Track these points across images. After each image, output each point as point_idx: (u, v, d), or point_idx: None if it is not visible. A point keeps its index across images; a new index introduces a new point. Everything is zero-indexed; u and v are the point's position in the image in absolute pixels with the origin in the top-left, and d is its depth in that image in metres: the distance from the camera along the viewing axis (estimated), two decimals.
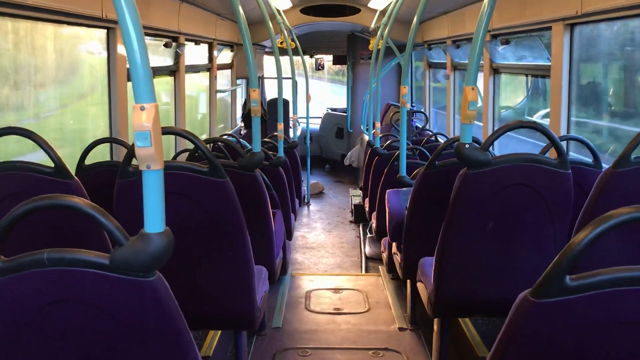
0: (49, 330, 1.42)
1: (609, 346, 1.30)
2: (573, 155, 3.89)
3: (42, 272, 1.37)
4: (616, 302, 1.25)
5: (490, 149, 4.62)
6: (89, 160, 3.27)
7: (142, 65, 1.31)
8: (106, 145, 3.88)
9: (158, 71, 5.15)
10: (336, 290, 4.60)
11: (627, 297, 1.24)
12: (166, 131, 2.50)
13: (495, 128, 5.42)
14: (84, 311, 1.40)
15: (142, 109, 1.31)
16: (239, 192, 2.49)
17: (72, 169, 3.15)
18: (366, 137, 7.63)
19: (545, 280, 1.27)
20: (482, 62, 5.29)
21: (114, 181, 2.48)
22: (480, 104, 5.46)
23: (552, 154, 2.65)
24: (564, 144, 3.78)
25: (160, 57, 5.22)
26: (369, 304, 4.29)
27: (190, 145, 4.53)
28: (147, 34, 4.73)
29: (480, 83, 5.45)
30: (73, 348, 1.45)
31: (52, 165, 2.35)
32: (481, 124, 5.48)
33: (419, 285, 3.16)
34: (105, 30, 3.81)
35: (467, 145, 2.41)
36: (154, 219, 1.37)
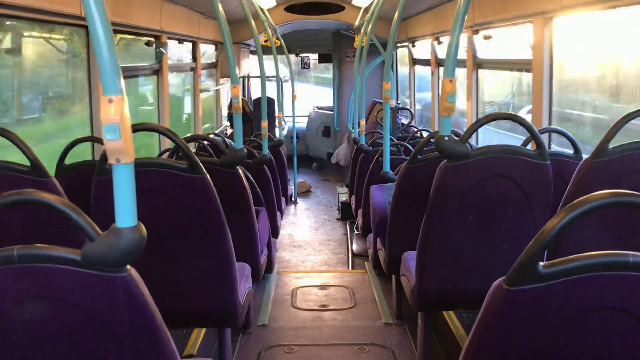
0: (21, 327, 1.40)
1: (582, 332, 1.31)
2: (556, 148, 3.92)
3: (13, 269, 1.35)
4: (588, 288, 1.25)
5: (474, 143, 4.63)
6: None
7: (108, 56, 1.29)
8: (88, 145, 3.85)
9: (141, 70, 5.12)
10: (322, 287, 4.60)
11: (599, 283, 1.24)
12: (144, 127, 2.49)
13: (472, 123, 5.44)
14: (56, 308, 1.38)
15: (110, 101, 1.30)
16: (220, 189, 2.48)
17: (52, 168, 3.13)
18: (353, 135, 7.63)
19: (518, 268, 1.27)
20: (465, 57, 5.30)
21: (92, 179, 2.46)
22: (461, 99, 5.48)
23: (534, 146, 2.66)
24: (545, 136, 3.80)
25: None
26: (355, 300, 4.29)
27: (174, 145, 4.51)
28: (128, 32, 4.69)
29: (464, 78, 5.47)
30: (46, 345, 1.43)
31: (28, 164, 2.33)
32: (465, 120, 5.50)
33: (403, 279, 3.16)
34: (85, 29, 3.78)
35: (446, 138, 2.41)
36: (125, 214, 1.35)
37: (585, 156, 2.96)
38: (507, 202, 2.53)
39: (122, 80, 1.32)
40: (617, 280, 1.24)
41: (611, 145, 2.27)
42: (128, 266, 1.38)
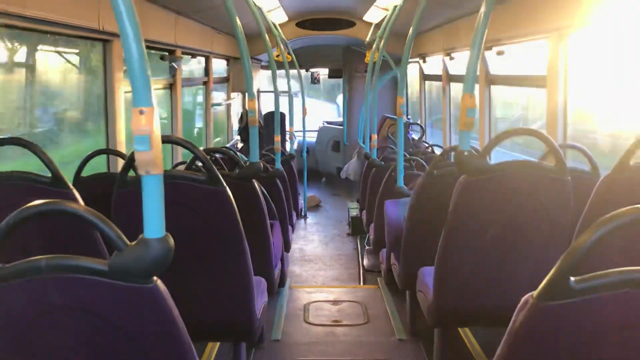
0: (48, 337, 1.39)
1: (615, 350, 1.29)
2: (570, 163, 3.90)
3: (41, 279, 1.35)
4: (621, 304, 1.24)
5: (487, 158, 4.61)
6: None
7: (140, 69, 1.31)
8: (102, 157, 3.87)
9: (155, 84, 5.15)
10: (335, 302, 4.57)
11: (633, 299, 1.23)
12: (165, 140, 2.49)
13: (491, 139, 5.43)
14: (83, 318, 1.38)
15: (141, 112, 1.31)
16: (237, 202, 2.48)
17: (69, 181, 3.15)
18: (363, 150, 7.64)
19: (549, 283, 1.26)
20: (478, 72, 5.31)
21: (110, 192, 2.47)
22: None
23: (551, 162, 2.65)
24: (562, 152, 3.79)
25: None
26: (368, 316, 4.26)
27: (186, 158, 4.52)
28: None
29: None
30: (73, 355, 1.43)
31: (50, 175, 2.34)
32: (477, 135, 5.50)
33: (419, 295, 3.14)
34: (102, 43, 3.82)
35: (465, 153, 2.40)
36: (154, 225, 1.36)
37: (602, 172, 2.96)
38: (526, 217, 2.52)
39: (152, 92, 1.33)
40: None
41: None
42: (155, 277, 1.38)
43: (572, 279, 1.24)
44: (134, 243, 1.34)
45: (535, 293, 1.29)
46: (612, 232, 1.22)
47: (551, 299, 1.26)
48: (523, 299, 1.33)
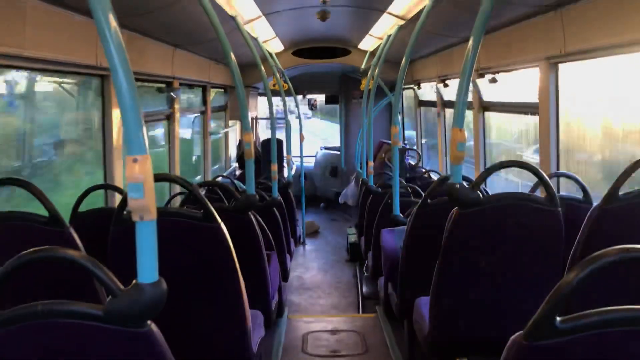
0: None
1: None
2: (566, 191, 3.93)
3: (37, 324, 1.37)
4: (607, 343, 1.26)
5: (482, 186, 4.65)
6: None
7: (134, 118, 1.35)
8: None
9: (153, 116, 5.21)
10: (333, 331, 4.55)
11: (618, 338, 1.25)
12: (161, 178, 2.54)
13: (487, 164, 5.48)
14: None
15: (135, 160, 1.34)
16: (232, 234, 2.50)
17: (67, 215, 3.18)
18: (360, 175, 7.68)
19: (536, 323, 1.28)
20: (471, 99, 5.38)
21: (108, 227, 2.49)
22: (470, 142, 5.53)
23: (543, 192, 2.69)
24: (554, 180, 3.82)
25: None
26: (366, 346, 4.25)
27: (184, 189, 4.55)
28: (141, 80, 4.81)
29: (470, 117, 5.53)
30: None
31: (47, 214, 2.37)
32: (473, 161, 5.54)
33: (416, 325, 3.14)
34: (100, 78, 3.88)
35: (457, 185, 2.44)
36: (148, 269, 1.38)
37: (595, 202, 2.99)
38: (519, 249, 2.54)
39: (146, 139, 1.37)
40: (637, 336, 1.24)
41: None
42: (149, 321, 1.40)
43: (558, 318, 1.26)
44: (128, 288, 1.37)
45: (522, 333, 1.31)
46: (598, 270, 1.25)
47: (538, 339, 1.28)
48: (511, 338, 1.35)
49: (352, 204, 9.38)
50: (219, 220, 2.43)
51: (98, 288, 2.28)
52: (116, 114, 3.93)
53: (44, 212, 2.38)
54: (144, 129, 1.38)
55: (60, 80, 3.76)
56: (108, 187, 3.69)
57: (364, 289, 5.93)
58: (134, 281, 1.38)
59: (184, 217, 2.42)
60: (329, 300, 5.91)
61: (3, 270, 1.35)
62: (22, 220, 2.36)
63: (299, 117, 8.79)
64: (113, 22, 1.32)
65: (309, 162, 11.87)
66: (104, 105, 3.93)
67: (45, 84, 3.69)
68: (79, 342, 1.39)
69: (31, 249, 1.38)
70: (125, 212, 2.45)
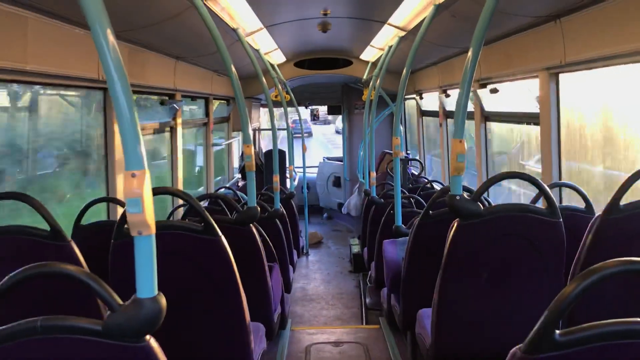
0: None
1: None
2: (567, 203, 3.92)
3: (36, 341, 1.37)
4: (606, 356, 1.25)
5: (485, 195, 4.63)
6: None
7: (132, 133, 1.35)
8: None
9: (155, 128, 5.23)
10: (336, 343, 4.53)
11: (617, 351, 1.24)
12: (160, 191, 2.54)
13: (489, 174, 5.47)
14: None
15: (133, 175, 1.35)
16: (234, 247, 2.50)
17: (70, 228, 3.18)
18: (363, 186, 7.68)
19: (535, 336, 1.27)
20: (473, 109, 5.38)
21: (110, 240, 2.49)
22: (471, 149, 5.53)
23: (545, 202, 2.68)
24: (555, 191, 3.81)
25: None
26: (369, 357, 4.22)
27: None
28: (144, 92, 4.83)
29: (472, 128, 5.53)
30: None
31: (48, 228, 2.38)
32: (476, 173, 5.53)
33: (418, 337, 3.13)
34: (103, 91, 3.90)
35: (457, 197, 2.43)
36: (146, 284, 1.38)
37: (597, 211, 2.98)
38: (520, 259, 2.53)
39: (144, 154, 1.37)
40: (636, 349, 1.23)
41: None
42: (148, 336, 1.40)
43: (558, 332, 1.25)
44: (127, 303, 1.37)
45: (522, 346, 1.30)
46: (596, 284, 1.24)
47: (537, 352, 1.27)
48: (511, 351, 1.34)
49: (355, 214, 9.37)
50: (219, 232, 2.43)
51: (98, 302, 2.28)
52: (118, 128, 3.94)
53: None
54: (142, 143, 1.38)
55: (63, 93, 3.78)
56: (110, 200, 3.70)
57: (368, 300, 5.90)
58: (133, 296, 1.38)
59: (185, 230, 2.43)
60: (332, 311, 5.89)
61: (4, 285, 1.36)
62: (23, 235, 2.37)
63: (301, 128, 8.81)
64: (111, 37, 1.33)
65: (312, 173, 11.88)
66: (105, 118, 3.95)
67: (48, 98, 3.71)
68: (77, 358, 1.38)
69: (32, 264, 1.38)
70: (125, 227, 2.46)
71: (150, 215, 1.37)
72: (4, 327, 1.37)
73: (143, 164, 1.36)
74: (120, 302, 1.37)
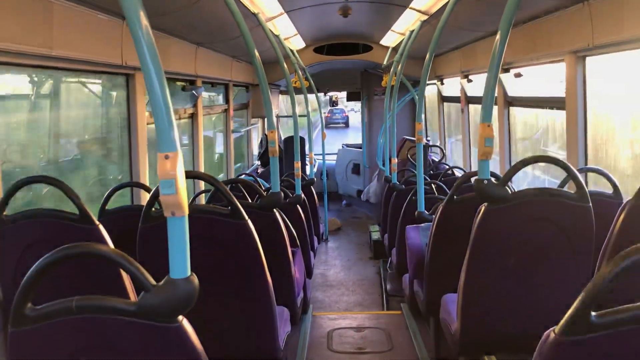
0: None
1: None
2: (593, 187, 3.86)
3: (72, 320, 1.39)
4: None
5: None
6: None
7: (165, 116, 1.35)
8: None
9: (176, 114, 5.26)
10: (358, 329, 4.55)
11: None
12: (190, 175, 2.55)
13: (512, 160, 5.41)
14: (112, 358, 1.41)
15: (167, 157, 1.35)
16: (258, 232, 2.51)
17: (95, 213, 3.21)
18: (383, 173, 7.64)
19: (570, 318, 1.26)
20: (496, 95, 5.31)
21: (135, 225, 2.52)
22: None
23: (571, 187, 2.64)
24: (581, 176, 3.75)
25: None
26: (392, 343, 4.23)
27: (208, 186, 4.57)
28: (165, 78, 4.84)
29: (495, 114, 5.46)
30: None
31: (77, 212, 2.41)
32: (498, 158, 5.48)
33: (442, 322, 3.12)
34: (125, 77, 3.92)
35: (485, 181, 2.41)
36: (179, 265, 1.39)
37: (624, 196, 2.93)
38: (548, 244, 2.50)
39: (177, 137, 1.38)
40: None
41: None
42: (180, 317, 1.41)
43: (594, 313, 1.24)
44: (160, 283, 1.38)
45: (557, 328, 1.29)
46: (633, 266, 1.22)
47: (573, 334, 1.26)
48: (545, 333, 1.33)
49: (375, 202, 9.34)
50: (246, 216, 2.44)
51: (126, 284, 2.31)
52: (141, 112, 3.97)
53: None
54: (175, 127, 1.38)
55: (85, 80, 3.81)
56: (134, 184, 3.73)
57: (389, 286, 5.91)
58: (166, 277, 1.39)
59: (212, 214, 2.44)
60: (352, 297, 5.90)
61: (39, 266, 1.37)
62: (53, 218, 2.40)
63: (320, 115, 8.78)
64: (144, 21, 1.33)
65: (331, 160, 11.85)
66: (128, 103, 3.97)
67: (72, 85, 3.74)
68: (111, 337, 1.40)
69: (66, 245, 1.39)
70: (153, 210, 2.47)
71: (183, 196, 1.37)
72: (39, 306, 1.40)
73: (176, 146, 1.37)
74: (154, 282, 1.38)
